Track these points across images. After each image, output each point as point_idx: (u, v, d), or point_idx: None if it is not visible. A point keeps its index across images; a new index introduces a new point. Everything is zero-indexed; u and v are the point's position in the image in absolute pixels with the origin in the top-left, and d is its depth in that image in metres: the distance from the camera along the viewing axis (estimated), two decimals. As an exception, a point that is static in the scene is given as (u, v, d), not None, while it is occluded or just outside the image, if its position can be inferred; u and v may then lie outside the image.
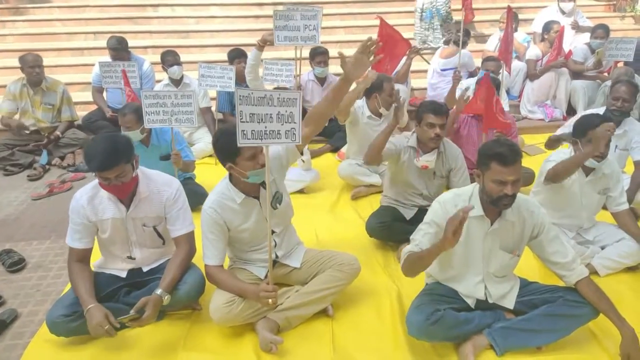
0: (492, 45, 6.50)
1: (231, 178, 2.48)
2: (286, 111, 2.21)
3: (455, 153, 3.29)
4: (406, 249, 2.30)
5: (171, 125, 3.38)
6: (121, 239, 2.53)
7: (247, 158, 2.31)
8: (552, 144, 3.90)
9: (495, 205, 2.22)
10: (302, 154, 2.62)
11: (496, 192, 2.17)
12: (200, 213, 2.50)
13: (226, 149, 2.33)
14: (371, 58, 2.24)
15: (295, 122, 2.25)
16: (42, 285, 2.95)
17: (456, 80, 4.88)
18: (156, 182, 2.53)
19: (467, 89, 4.15)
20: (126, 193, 2.41)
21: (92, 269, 2.56)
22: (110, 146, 2.27)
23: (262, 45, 4.30)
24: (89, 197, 2.44)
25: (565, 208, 3.02)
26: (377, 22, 4.61)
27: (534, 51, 6.01)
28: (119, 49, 5.19)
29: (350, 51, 7.33)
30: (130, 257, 2.58)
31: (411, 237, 2.35)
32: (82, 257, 2.46)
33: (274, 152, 2.46)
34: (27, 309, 2.74)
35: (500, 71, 4.78)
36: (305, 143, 2.55)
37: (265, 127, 2.20)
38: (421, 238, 2.27)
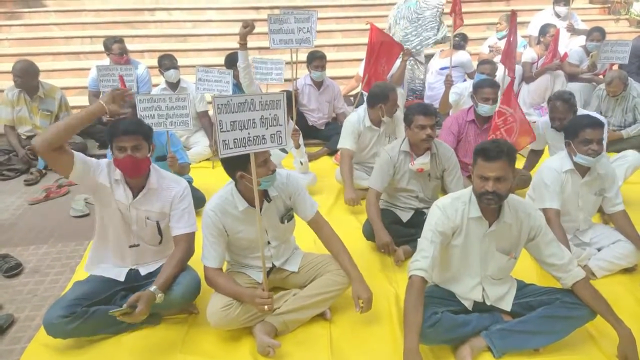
0: (487, 49, 6.52)
1: (237, 184, 2.46)
2: (270, 114, 2.18)
3: (447, 154, 3.29)
4: (416, 264, 2.26)
5: (166, 128, 3.40)
6: (122, 227, 2.55)
7: (259, 165, 2.27)
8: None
9: (480, 201, 2.24)
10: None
11: (479, 187, 2.20)
12: (198, 217, 2.50)
13: (237, 157, 2.23)
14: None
15: (280, 125, 2.20)
16: (39, 290, 2.94)
17: (448, 84, 4.89)
18: (166, 179, 2.60)
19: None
20: (138, 171, 2.46)
21: (90, 271, 2.62)
22: (135, 120, 2.68)
23: (244, 43, 4.16)
24: (108, 165, 2.50)
25: (562, 210, 3.03)
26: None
27: (530, 54, 6.03)
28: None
29: (346, 54, 7.27)
30: (133, 246, 2.60)
31: (418, 247, 2.33)
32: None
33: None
34: (24, 314, 2.73)
35: (496, 74, 4.79)
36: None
37: (249, 134, 2.15)
38: (429, 247, 2.27)
